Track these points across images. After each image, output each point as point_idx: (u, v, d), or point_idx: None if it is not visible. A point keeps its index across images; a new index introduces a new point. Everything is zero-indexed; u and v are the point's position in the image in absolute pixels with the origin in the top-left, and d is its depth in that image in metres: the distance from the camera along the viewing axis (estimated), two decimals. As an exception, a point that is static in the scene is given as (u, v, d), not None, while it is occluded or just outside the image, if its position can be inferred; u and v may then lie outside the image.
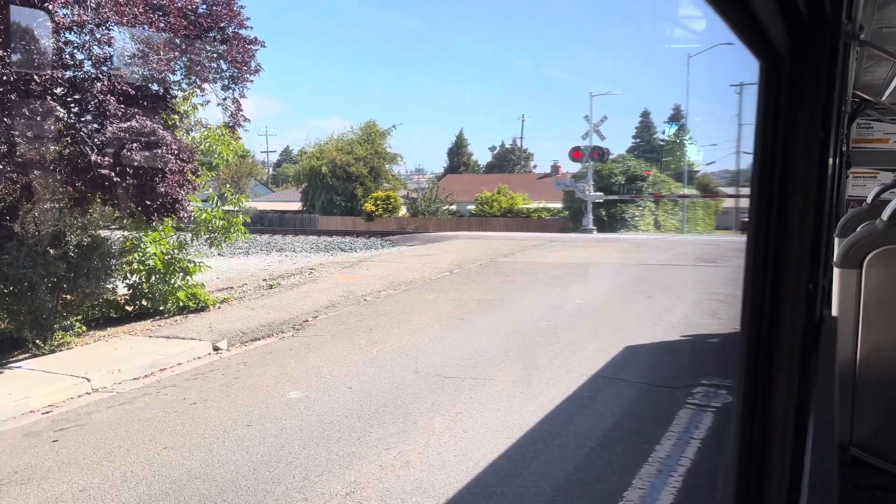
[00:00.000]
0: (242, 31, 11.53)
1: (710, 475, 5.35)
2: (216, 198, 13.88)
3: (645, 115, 78.66)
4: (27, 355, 9.90)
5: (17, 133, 8.49)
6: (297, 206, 56.04)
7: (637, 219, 35.91)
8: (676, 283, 15.01)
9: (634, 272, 17.09)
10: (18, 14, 8.29)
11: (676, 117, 64.33)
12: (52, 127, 9.17)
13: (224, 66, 11.55)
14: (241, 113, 12.19)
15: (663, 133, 69.43)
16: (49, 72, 8.72)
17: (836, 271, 3.06)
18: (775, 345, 1.17)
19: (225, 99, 11.93)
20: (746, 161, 44.22)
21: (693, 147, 52.78)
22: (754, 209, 1.16)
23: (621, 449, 5.86)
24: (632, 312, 11.73)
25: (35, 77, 8.54)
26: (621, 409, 6.84)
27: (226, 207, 13.99)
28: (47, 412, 7.63)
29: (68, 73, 9.27)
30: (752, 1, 0.87)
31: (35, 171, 9.29)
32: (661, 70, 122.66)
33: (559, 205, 42.21)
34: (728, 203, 45.86)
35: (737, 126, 45.06)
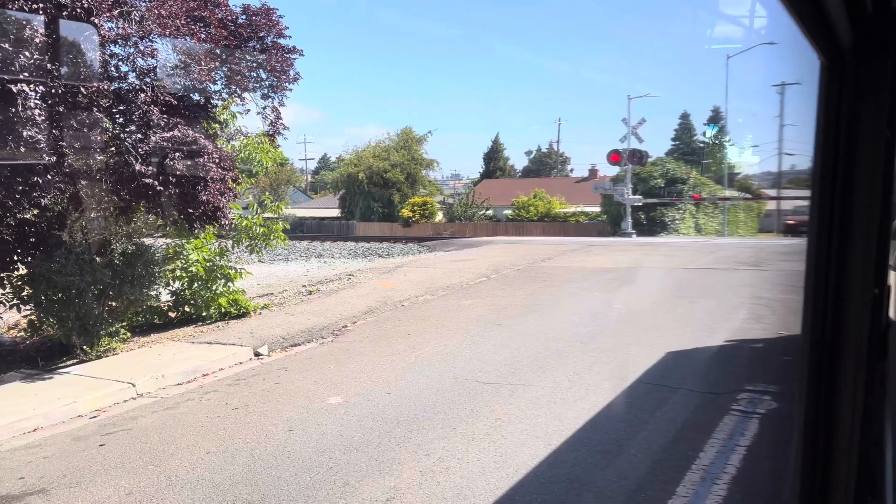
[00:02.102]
0: (281, 41, 11.70)
1: (770, 483, 5.23)
2: (256, 205, 14.07)
3: (684, 116, 77.56)
4: (75, 361, 10.14)
5: (65, 144, 8.71)
6: (335, 212, 56.57)
7: (677, 222, 35.39)
8: (719, 287, 14.75)
9: (675, 276, 16.84)
10: (66, 29, 8.52)
11: (716, 119, 63.37)
12: (98, 138, 9.40)
13: (263, 76, 11.73)
14: (280, 121, 12.36)
15: (703, 135, 68.36)
16: (95, 84, 8.94)
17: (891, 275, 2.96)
18: (839, 352, 1.13)
19: (264, 108, 12.12)
20: (788, 162, 43.33)
21: (734, 148, 51.88)
22: (816, 211, 1.12)
23: (664, 456, 5.76)
24: (673, 317, 11.56)
25: (82, 89, 8.77)
26: (664, 416, 6.73)
27: (266, 214, 14.17)
28: (94, 416, 7.80)
29: (113, 85, 9.49)
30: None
31: (82, 181, 9.52)
32: (700, 71, 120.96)
33: (597, 209, 41.83)
34: (771, 205, 44.96)
35: (778, 127, 44.22)
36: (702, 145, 66.49)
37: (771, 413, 6.64)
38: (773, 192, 45.07)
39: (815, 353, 1.15)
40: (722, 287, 14.72)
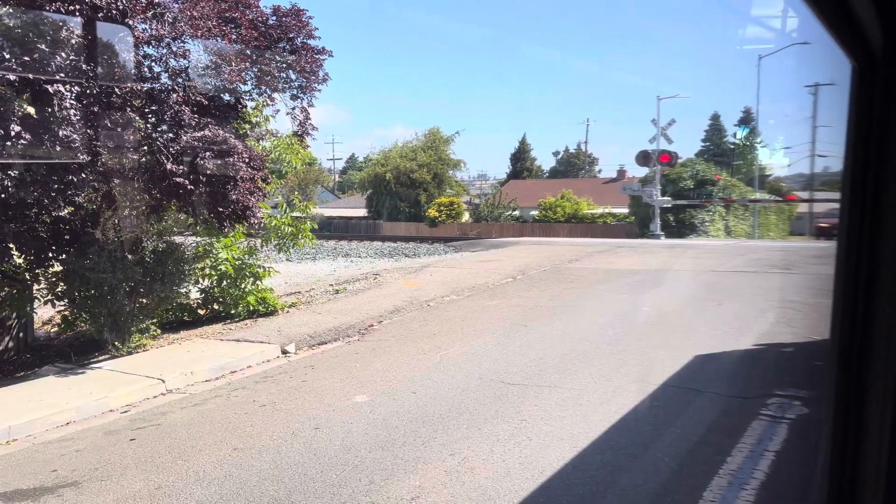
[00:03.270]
0: (311, 42, 11.79)
1: (798, 489, 5.16)
2: (285, 205, 14.21)
3: (714, 118, 76.76)
4: (107, 356, 10.32)
5: (99, 143, 8.88)
6: (362, 212, 56.92)
7: (706, 224, 34.99)
8: (748, 290, 14.55)
9: (704, 279, 16.66)
10: (101, 30, 8.67)
11: (747, 120, 62.50)
12: (131, 137, 9.56)
13: (293, 76, 11.83)
14: (309, 122, 12.45)
15: (734, 136, 67.50)
16: (129, 84, 9.09)
17: None
18: (868, 360, 1.11)
19: (294, 108, 12.21)
20: (821, 164, 42.61)
21: (765, 150, 51.13)
22: (846, 215, 1.10)
23: (691, 460, 5.71)
24: (702, 320, 11.43)
25: (116, 90, 8.92)
26: (691, 420, 6.67)
27: (294, 214, 14.30)
28: (125, 411, 7.93)
29: (146, 86, 9.64)
30: (841, 5, 0.83)
31: (115, 180, 9.69)
32: (730, 72, 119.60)
33: (625, 210, 41.54)
34: (802, 208, 44.26)
35: (811, 128, 43.48)
36: (732, 146, 65.66)
37: (801, 418, 6.54)
38: (805, 195, 44.35)
39: (844, 358, 1.13)
40: (751, 290, 14.52)
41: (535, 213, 46.46)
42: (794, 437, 6.09)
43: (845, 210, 1.11)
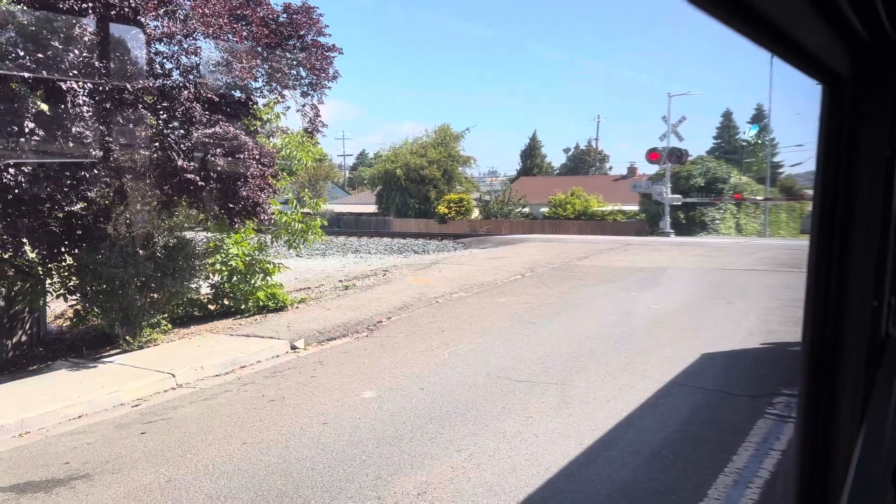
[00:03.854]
0: (321, 39, 11.83)
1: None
2: (295, 201, 14.28)
3: (726, 115, 76.30)
4: (118, 350, 10.43)
5: (111, 140, 8.96)
6: (372, 208, 57.00)
7: (717, 222, 34.86)
8: (757, 288, 14.52)
9: (713, 277, 16.62)
10: (114, 27, 8.75)
11: (759, 117, 62.14)
12: (143, 134, 9.64)
13: (303, 73, 11.87)
14: (319, 118, 12.49)
15: (745, 134, 67.09)
16: (141, 81, 9.17)
17: None
18: (839, 362, 1.15)
19: (304, 105, 12.26)
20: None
21: (777, 147, 50.79)
22: (816, 226, 1.14)
23: (696, 458, 5.73)
24: (710, 318, 11.43)
25: (128, 86, 9.00)
26: (697, 418, 6.69)
27: (304, 210, 14.37)
28: (136, 405, 8.03)
29: (158, 83, 9.72)
30: (802, 31, 0.86)
31: (127, 176, 9.78)
32: (741, 70, 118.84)
33: (635, 207, 41.42)
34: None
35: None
36: (744, 144, 65.33)
37: (807, 418, 6.54)
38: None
39: (815, 363, 1.17)
40: (760, 289, 14.49)
41: (544, 210, 46.40)
42: (800, 437, 6.10)
43: (816, 219, 1.15)
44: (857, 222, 1.13)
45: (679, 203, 34.18)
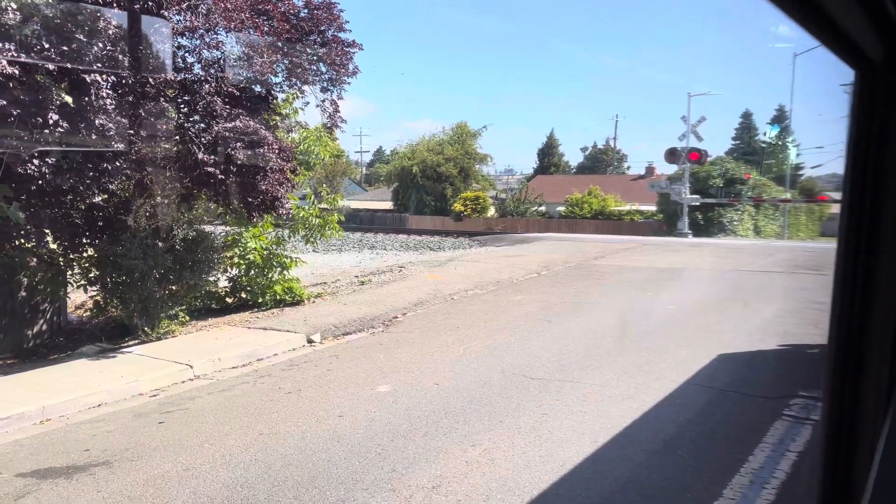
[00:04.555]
0: (341, 35, 11.86)
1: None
2: (313, 196, 14.35)
3: (746, 116, 75.75)
4: (137, 341, 10.54)
5: (132, 132, 9.05)
6: (388, 205, 57.09)
7: (735, 223, 34.60)
8: (775, 290, 14.42)
9: (731, 278, 16.52)
10: (138, 21, 8.83)
11: (779, 118, 61.59)
12: (164, 127, 9.73)
13: (323, 69, 11.91)
14: (338, 114, 12.53)
15: (765, 135, 66.50)
16: (163, 75, 9.26)
17: None
18: (863, 361, 1.15)
19: (323, 100, 12.30)
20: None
21: (797, 149, 50.26)
22: (845, 222, 1.14)
23: (711, 458, 5.72)
24: (726, 319, 11.36)
25: (150, 80, 9.09)
26: (713, 418, 6.67)
27: (322, 206, 14.43)
28: (154, 395, 8.12)
29: (179, 76, 9.80)
30: (838, 12, 0.86)
31: (147, 168, 9.88)
32: (762, 69, 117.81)
33: (653, 207, 41.20)
34: (835, 209, 43.54)
35: (846, 127, 42.69)
36: (763, 145, 64.75)
37: (825, 420, 6.50)
38: (837, 195, 43.58)
39: (840, 365, 1.16)
40: (778, 290, 14.39)
41: (561, 208, 46.27)
42: (817, 439, 6.06)
43: (845, 214, 1.14)
44: (886, 218, 1.13)
45: (697, 203, 33.96)
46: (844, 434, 1.19)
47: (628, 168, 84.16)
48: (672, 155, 34.16)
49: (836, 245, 1.18)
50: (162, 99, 9.55)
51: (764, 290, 14.34)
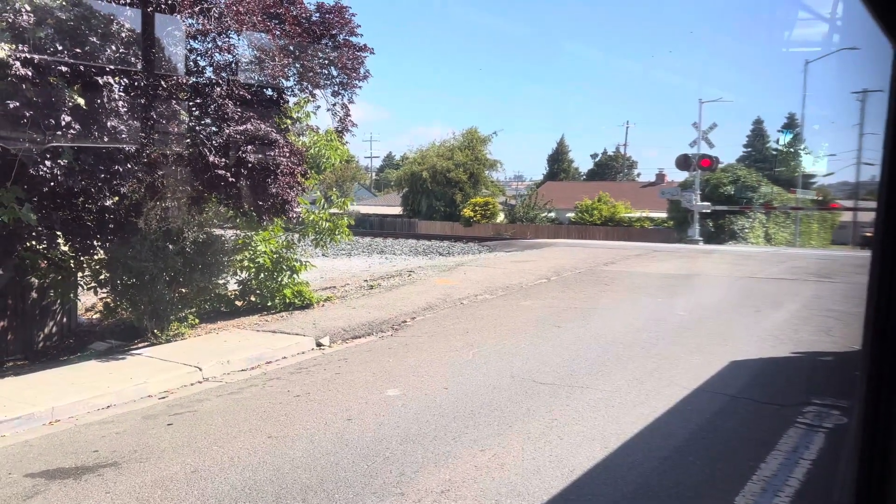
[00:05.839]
0: (353, 39, 11.88)
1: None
2: (323, 200, 14.37)
3: (757, 122, 75.44)
4: (146, 343, 10.56)
5: (144, 135, 9.08)
6: (397, 210, 57.16)
7: (746, 230, 34.40)
8: (787, 297, 14.30)
9: (742, 285, 16.40)
10: (150, 24, 8.88)
11: (791, 125, 61.25)
12: (175, 129, 9.76)
13: (334, 73, 11.92)
14: (349, 118, 12.54)
15: (776, 142, 66.21)
16: (175, 77, 9.29)
17: None
18: None
19: (334, 104, 12.31)
20: (868, 173, 41.57)
21: (809, 156, 49.97)
22: (882, 217, 1.09)
23: (723, 465, 5.65)
24: (738, 326, 11.27)
25: (162, 82, 9.12)
26: (725, 425, 6.60)
27: (332, 210, 14.44)
28: (163, 397, 8.11)
29: (191, 79, 9.84)
30: None
31: (159, 171, 9.91)
32: (775, 76, 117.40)
33: (663, 214, 41.05)
34: (846, 217, 43.26)
35: (857, 135, 42.47)
36: (775, 152, 64.45)
37: (839, 428, 6.42)
38: (849, 203, 43.30)
39: (875, 372, 1.12)
40: (790, 298, 14.27)
41: (570, 215, 46.18)
42: (831, 447, 5.99)
43: (882, 212, 1.10)
44: None
45: (708, 210, 33.78)
46: (880, 443, 1.14)
47: (638, 175, 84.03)
48: (683, 161, 34.01)
49: (872, 250, 1.13)
50: (173, 101, 9.58)
51: (776, 298, 14.22)
